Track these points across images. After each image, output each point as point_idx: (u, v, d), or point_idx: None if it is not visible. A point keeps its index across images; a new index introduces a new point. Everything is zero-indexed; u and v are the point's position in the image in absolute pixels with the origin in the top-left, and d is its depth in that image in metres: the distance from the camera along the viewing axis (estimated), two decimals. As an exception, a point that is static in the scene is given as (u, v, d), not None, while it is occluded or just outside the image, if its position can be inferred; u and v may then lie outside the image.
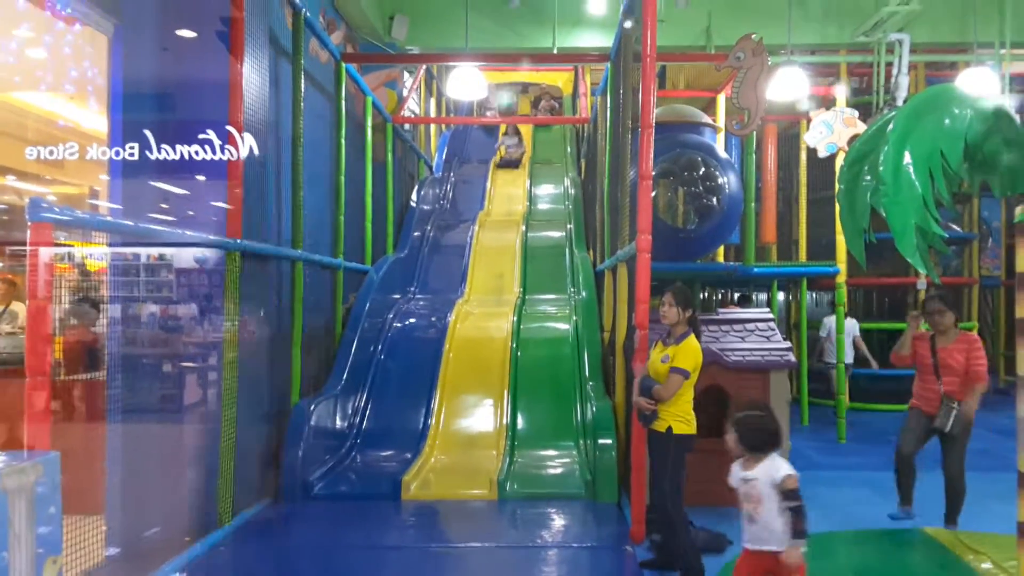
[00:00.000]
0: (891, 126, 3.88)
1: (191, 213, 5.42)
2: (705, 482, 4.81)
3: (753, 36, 6.36)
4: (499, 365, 7.49)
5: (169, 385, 5.03)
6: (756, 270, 9.36)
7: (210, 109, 5.13)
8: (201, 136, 4.50)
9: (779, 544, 3.20)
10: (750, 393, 6.04)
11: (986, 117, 3.75)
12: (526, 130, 13.61)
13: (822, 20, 10.00)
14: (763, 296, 14.10)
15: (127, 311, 4.75)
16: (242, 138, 4.77)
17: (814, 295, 14.72)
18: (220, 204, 5.22)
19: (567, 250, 10.02)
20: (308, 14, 6.73)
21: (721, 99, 9.62)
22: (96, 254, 4.54)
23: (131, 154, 4.33)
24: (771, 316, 6.60)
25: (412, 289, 9.48)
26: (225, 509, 5.13)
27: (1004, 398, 11.79)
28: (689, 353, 4.48)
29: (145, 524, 4.63)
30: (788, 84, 8.02)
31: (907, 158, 3.79)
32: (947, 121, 3.80)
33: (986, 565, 4.56)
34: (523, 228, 10.48)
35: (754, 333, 6.30)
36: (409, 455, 6.54)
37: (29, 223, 3.32)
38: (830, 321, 10.29)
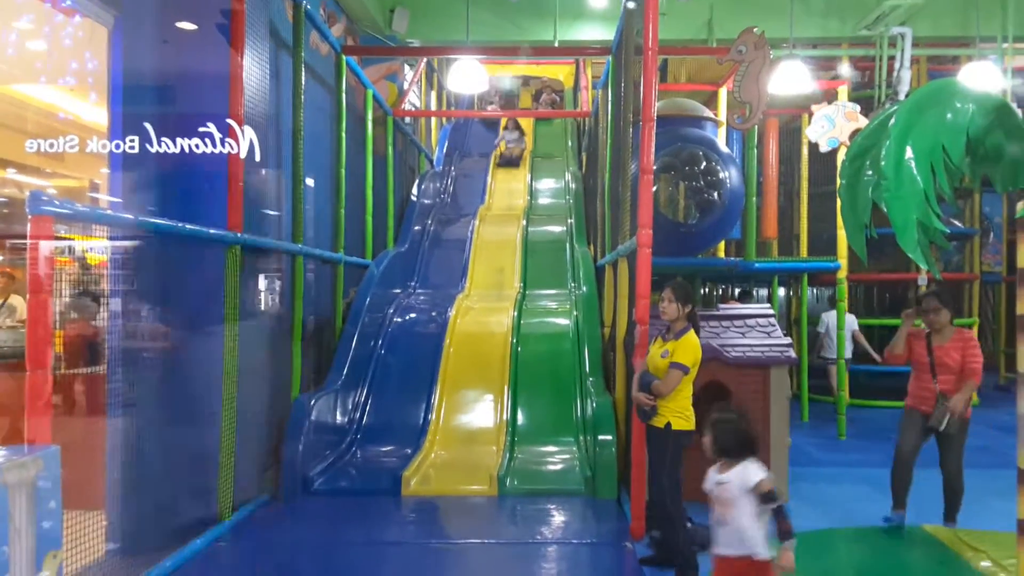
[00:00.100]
0: (893, 120, 3.86)
1: (191, 206, 5.40)
2: (704, 479, 4.80)
3: (755, 30, 6.34)
4: (499, 360, 7.48)
5: (169, 379, 5.01)
6: (757, 265, 9.35)
7: (210, 102, 5.11)
8: (201, 129, 4.48)
9: (750, 549, 3.19)
10: (750, 389, 6.05)
11: (988, 111, 3.74)
12: (527, 124, 13.57)
13: (824, 14, 9.97)
14: (763, 292, 14.09)
15: (127, 305, 4.73)
16: (242, 131, 4.75)
17: (815, 291, 14.71)
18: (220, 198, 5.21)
19: (568, 245, 10.00)
20: (308, 7, 6.71)
21: (723, 93, 9.60)
22: (96, 247, 4.53)
23: (131, 147, 4.31)
24: (772, 312, 6.58)
25: (412, 284, 9.47)
26: (225, 504, 5.13)
27: (1005, 395, 11.81)
28: (688, 348, 4.48)
29: (145, 519, 4.63)
30: (790, 78, 7.99)
31: (909, 153, 3.78)
32: (949, 115, 3.78)
33: (985, 563, 4.55)
34: (524, 223, 10.46)
35: (755, 329, 6.29)
36: (409, 450, 6.54)
37: (29, 216, 3.32)
38: (828, 317, 10.28)
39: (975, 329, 11.64)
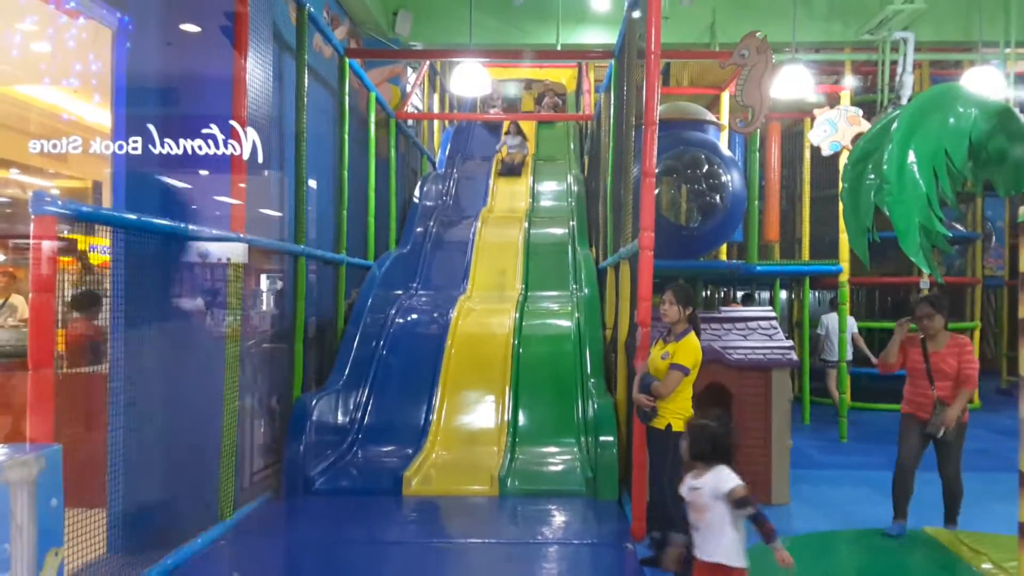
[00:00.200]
0: (895, 124, 3.87)
1: (194, 207, 5.42)
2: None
3: (757, 34, 6.34)
4: (501, 361, 7.49)
5: (170, 378, 5.02)
6: (759, 268, 9.36)
7: (214, 104, 5.13)
8: (204, 131, 4.49)
9: (724, 557, 3.20)
10: (752, 391, 6.05)
11: (990, 116, 3.75)
12: (529, 127, 13.58)
13: (827, 18, 9.98)
14: (765, 295, 14.09)
15: (129, 304, 4.74)
16: (245, 133, 4.76)
17: (816, 294, 14.70)
18: (224, 199, 5.22)
19: (570, 247, 10.01)
20: (312, 9, 6.73)
21: (725, 97, 9.62)
22: (99, 248, 4.54)
23: (134, 148, 4.33)
24: (773, 314, 6.59)
25: (414, 285, 9.48)
26: (226, 503, 5.14)
27: (1007, 399, 11.80)
28: (689, 350, 4.49)
29: (146, 518, 4.63)
30: (792, 82, 7.99)
31: (911, 157, 3.79)
32: (952, 120, 3.79)
33: (987, 565, 4.55)
34: (526, 225, 10.48)
35: (756, 331, 6.30)
36: (410, 451, 6.55)
37: (32, 216, 3.33)
38: (828, 319, 10.28)
39: (977, 333, 11.66)
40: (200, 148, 4.46)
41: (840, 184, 4.42)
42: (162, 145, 4.34)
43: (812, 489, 6.48)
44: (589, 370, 7.23)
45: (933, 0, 9.23)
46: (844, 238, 8.67)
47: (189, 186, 5.08)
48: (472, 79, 8.79)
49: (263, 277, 6.12)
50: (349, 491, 5.97)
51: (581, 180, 11.72)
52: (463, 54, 8.99)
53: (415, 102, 12.07)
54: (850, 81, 11.11)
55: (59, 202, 3.37)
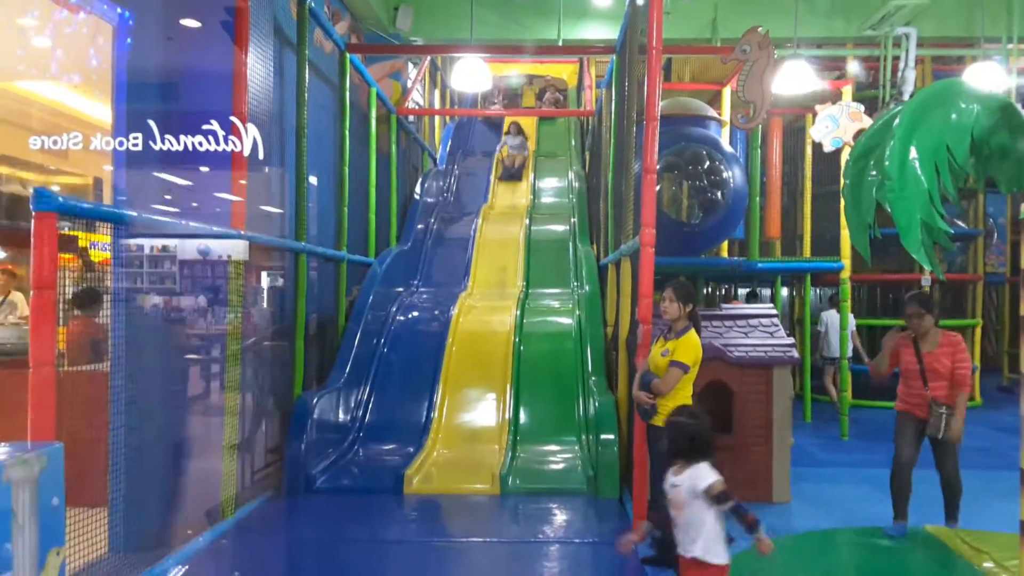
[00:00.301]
0: (897, 121, 3.86)
1: (195, 204, 5.42)
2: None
3: (759, 29, 6.32)
4: (502, 359, 7.48)
5: (172, 377, 5.02)
6: (760, 265, 9.35)
7: (214, 100, 5.12)
8: (205, 127, 4.49)
9: (702, 552, 3.20)
10: (753, 389, 6.05)
11: (993, 112, 3.73)
12: (530, 124, 13.56)
13: (829, 13, 9.95)
14: (766, 291, 14.08)
15: (130, 303, 4.74)
16: (246, 129, 4.75)
17: (817, 291, 14.69)
18: (224, 195, 5.21)
19: (570, 244, 10.00)
20: (313, 4, 6.71)
21: (727, 92, 9.59)
22: (100, 244, 4.53)
23: (135, 144, 4.32)
24: (775, 312, 6.58)
25: (415, 282, 9.47)
26: (228, 502, 5.14)
27: (1008, 396, 11.80)
28: (689, 347, 4.48)
29: (148, 517, 4.63)
30: (794, 78, 7.97)
31: (913, 153, 3.77)
32: (954, 116, 3.78)
33: (988, 564, 4.55)
34: (527, 221, 10.46)
35: (757, 329, 6.29)
36: (411, 449, 6.55)
37: (33, 213, 3.32)
38: (827, 316, 10.27)
39: (978, 330, 11.65)
40: (201, 144, 4.46)
41: (842, 180, 4.40)
42: (163, 141, 4.33)
43: (813, 487, 6.48)
44: (590, 368, 7.22)
45: (935, -4, 9.21)
46: (845, 235, 8.66)
47: (190, 182, 5.07)
48: (473, 74, 8.77)
49: (264, 274, 6.11)
50: (350, 489, 5.97)
51: (582, 176, 11.69)
52: (464, 49, 8.97)
53: (416, 98, 12.05)
54: (854, 67, 11.05)
55: (60, 198, 3.36)
